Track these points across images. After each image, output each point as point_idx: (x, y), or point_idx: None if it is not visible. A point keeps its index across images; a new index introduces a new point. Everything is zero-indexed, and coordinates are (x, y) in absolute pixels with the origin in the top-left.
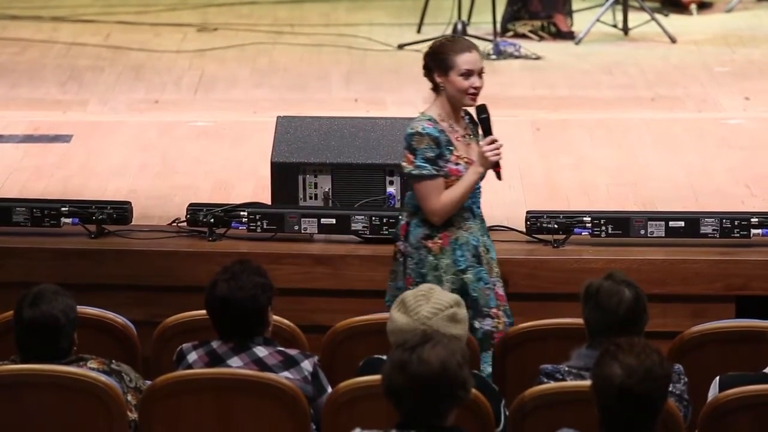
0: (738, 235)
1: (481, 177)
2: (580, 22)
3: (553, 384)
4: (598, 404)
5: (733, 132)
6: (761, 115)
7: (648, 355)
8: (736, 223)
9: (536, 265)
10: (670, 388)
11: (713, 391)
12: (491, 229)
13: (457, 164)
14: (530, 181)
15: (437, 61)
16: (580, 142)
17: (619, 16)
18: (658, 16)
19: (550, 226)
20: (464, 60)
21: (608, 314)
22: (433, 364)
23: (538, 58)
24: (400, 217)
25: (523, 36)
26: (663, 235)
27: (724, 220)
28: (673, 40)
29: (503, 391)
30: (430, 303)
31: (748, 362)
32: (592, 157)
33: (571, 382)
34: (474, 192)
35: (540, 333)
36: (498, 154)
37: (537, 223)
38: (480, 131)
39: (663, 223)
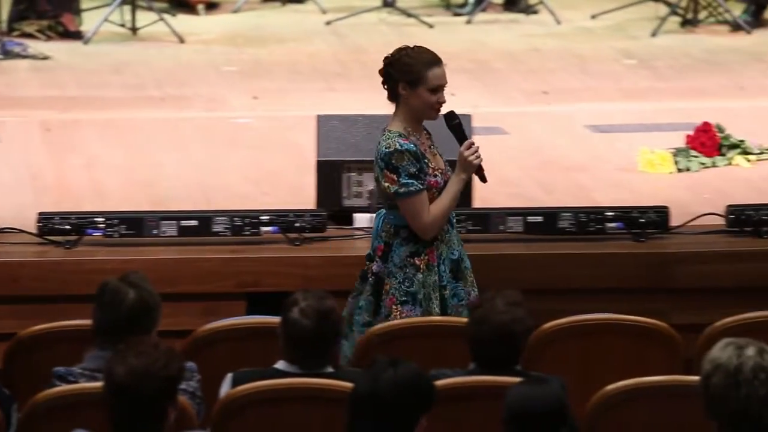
0: (248, 233)
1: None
2: (89, 22)
3: (65, 386)
4: (107, 404)
5: (241, 131)
6: (268, 113)
7: (151, 356)
8: (246, 221)
9: (48, 267)
10: (183, 386)
11: (226, 387)
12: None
13: (435, 176)
14: (41, 182)
15: (404, 73)
16: (91, 142)
17: (128, 16)
18: (166, 16)
19: (62, 227)
20: (435, 75)
21: (111, 314)
22: None
23: (46, 58)
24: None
25: (31, 36)
26: (176, 234)
27: (235, 219)
28: (181, 40)
29: (15, 394)
30: None
31: (260, 358)
32: (103, 158)
33: (83, 384)
34: None
35: (52, 335)
36: (479, 157)
37: (48, 225)
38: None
39: (175, 222)
